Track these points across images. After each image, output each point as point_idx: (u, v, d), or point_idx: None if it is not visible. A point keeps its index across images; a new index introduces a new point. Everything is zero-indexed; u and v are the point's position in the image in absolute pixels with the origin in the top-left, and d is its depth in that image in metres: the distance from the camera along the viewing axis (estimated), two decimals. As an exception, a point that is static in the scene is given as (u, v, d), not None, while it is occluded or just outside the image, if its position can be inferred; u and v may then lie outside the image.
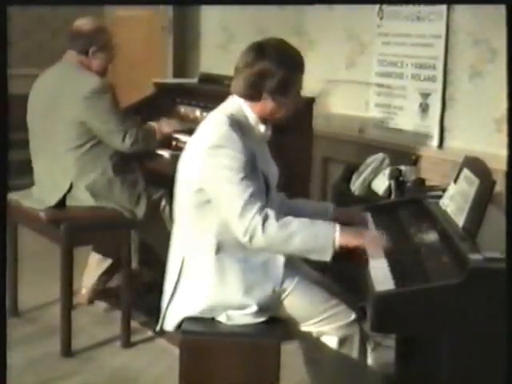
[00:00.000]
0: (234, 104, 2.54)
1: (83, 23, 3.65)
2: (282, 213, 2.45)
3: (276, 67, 2.45)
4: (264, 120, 2.55)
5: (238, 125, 2.46)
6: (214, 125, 2.49)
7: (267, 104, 2.51)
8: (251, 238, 2.36)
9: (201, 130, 2.55)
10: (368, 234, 2.50)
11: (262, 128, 2.55)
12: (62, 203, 3.52)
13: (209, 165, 2.42)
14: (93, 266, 3.98)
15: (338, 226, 2.41)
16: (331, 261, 2.39)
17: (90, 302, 3.98)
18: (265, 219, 2.35)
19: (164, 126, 3.81)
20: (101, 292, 3.98)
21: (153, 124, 3.75)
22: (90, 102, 3.46)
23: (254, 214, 2.35)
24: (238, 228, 2.38)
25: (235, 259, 2.48)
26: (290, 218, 2.40)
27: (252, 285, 2.48)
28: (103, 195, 3.53)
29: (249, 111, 2.53)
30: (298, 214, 2.51)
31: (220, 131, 2.43)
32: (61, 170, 3.53)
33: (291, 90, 2.50)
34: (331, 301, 2.53)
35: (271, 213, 2.37)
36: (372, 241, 2.43)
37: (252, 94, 2.49)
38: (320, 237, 2.39)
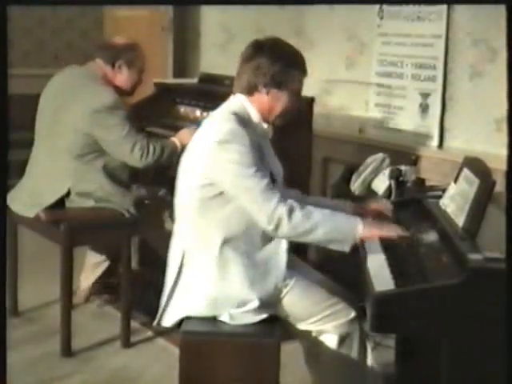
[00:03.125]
0: (237, 102, 2.59)
1: (118, 38, 3.72)
2: None
3: (271, 61, 2.53)
4: (265, 119, 2.60)
5: (242, 122, 2.50)
6: (220, 121, 2.52)
7: (263, 97, 2.56)
8: (277, 227, 2.42)
9: (205, 127, 2.58)
10: (388, 225, 2.57)
11: (264, 125, 2.60)
12: (56, 205, 3.50)
13: (218, 160, 2.45)
14: (89, 269, 3.96)
15: (359, 219, 2.51)
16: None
17: (87, 299, 3.98)
18: (291, 210, 2.41)
19: (183, 136, 3.61)
20: (97, 289, 3.98)
21: (173, 138, 3.61)
22: (99, 117, 3.43)
23: (275, 203, 2.41)
24: (260, 217, 2.43)
25: (238, 254, 2.50)
26: (312, 209, 2.46)
27: (254, 280, 2.49)
28: (102, 201, 3.53)
29: (251, 108, 2.57)
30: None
31: (227, 127, 2.47)
32: (60, 174, 3.52)
33: (286, 85, 2.56)
34: (331, 299, 2.54)
35: (296, 204, 2.44)
36: (393, 232, 2.50)
37: (248, 87, 2.56)
38: (343, 228, 2.47)
